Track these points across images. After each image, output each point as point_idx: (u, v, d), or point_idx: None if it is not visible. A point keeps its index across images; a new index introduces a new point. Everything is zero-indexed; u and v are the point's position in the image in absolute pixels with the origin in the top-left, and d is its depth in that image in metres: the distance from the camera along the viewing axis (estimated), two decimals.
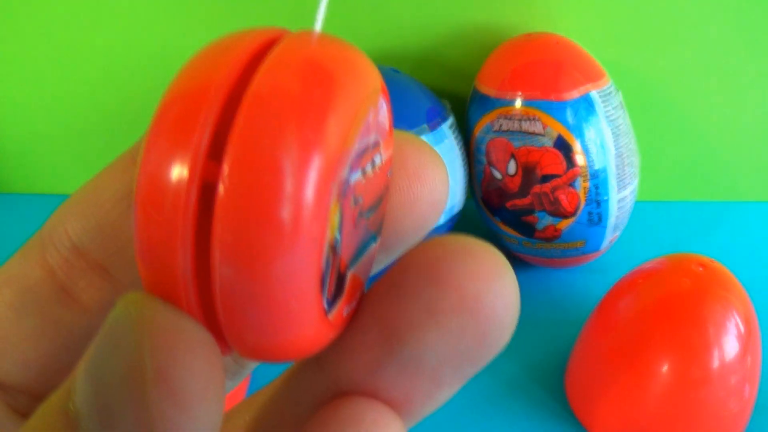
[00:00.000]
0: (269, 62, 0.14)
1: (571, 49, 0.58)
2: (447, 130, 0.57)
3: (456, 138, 0.58)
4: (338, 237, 0.14)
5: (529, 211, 0.57)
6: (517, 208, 0.58)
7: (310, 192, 0.13)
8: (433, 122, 0.56)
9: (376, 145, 0.15)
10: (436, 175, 0.17)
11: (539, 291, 0.62)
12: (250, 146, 0.13)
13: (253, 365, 0.19)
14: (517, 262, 0.65)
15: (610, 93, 0.56)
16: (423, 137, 0.55)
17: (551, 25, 0.63)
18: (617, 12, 0.63)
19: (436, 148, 0.56)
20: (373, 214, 0.16)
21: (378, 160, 0.16)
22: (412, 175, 0.17)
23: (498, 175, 0.58)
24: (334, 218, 0.14)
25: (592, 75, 0.56)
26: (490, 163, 0.58)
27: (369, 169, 0.15)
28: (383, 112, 0.16)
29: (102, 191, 0.17)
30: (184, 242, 0.13)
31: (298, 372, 0.18)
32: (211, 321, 0.14)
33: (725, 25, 0.63)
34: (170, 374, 0.12)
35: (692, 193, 0.72)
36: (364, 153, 0.15)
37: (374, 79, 0.15)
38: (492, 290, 0.15)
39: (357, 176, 0.14)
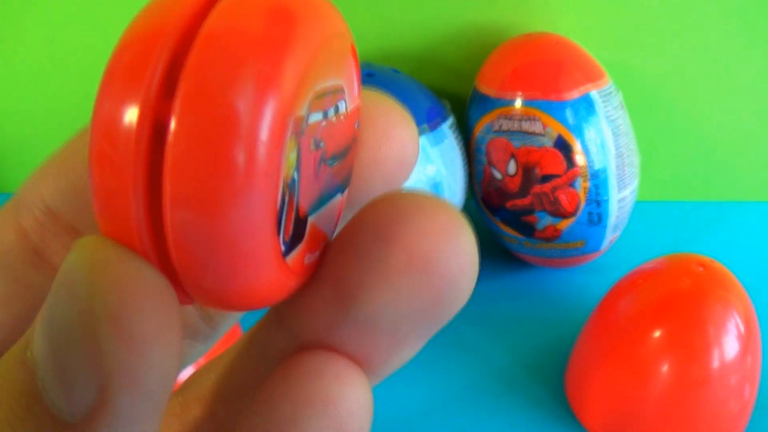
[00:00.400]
0: (224, 2, 0.13)
1: (571, 49, 0.58)
2: (447, 130, 0.57)
3: (456, 138, 0.58)
4: (295, 176, 0.14)
5: (529, 211, 0.57)
6: (517, 208, 0.58)
7: (264, 126, 0.12)
8: (433, 122, 0.56)
9: (340, 91, 0.15)
10: (406, 133, 0.17)
11: (539, 291, 0.62)
12: (201, 81, 0.12)
13: (224, 326, 0.19)
14: (517, 262, 0.65)
15: (610, 93, 0.56)
16: (423, 137, 0.55)
17: (551, 25, 0.63)
18: (617, 12, 0.63)
19: (436, 148, 0.56)
20: (338, 164, 0.16)
21: (342, 107, 0.15)
22: (381, 133, 0.16)
23: (498, 175, 0.58)
24: (291, 156, 0.13)
25: (592, 75, 0.56)
26: (490, 163, 0.58)
27: (332, 113, 0.15)
28: (349, 62, 0.15)
29: (76, 154, 0.17)
30: (136, 184, 0.13)
31: (260, 328, 0.18)
32: (167, 267, 0.13)
33: (725, 25, 0.63)
34: (122, 316, 0.12)
35: (692, 193, 0.72)
36: (326, 96, 0.14)
37: (338, 24, 0.15)
38: (445, 249, 0.15)
39: (317, 117, 0.14)
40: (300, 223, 0.14)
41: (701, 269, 0.47)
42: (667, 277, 0.47)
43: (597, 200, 0.56)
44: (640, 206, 0.69)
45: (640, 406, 0.47)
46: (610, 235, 0.59)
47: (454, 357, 0.56)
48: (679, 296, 0.46)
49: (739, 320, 0.45)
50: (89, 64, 0.68)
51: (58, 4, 0.64)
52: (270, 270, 0.13)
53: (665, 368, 0.46)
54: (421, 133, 0.55)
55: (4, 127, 0.72)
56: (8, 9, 0.65)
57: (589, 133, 0.55)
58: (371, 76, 0.57)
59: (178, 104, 0.12)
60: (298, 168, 0.14)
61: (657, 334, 0.46)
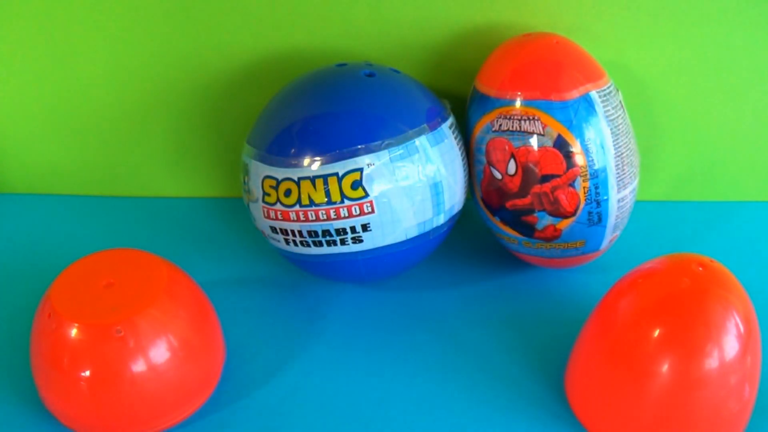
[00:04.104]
0: None
1: (571, 49, 0.58)
2: (447, 130, 0.57)
3: (456, 138, 0.58)
4: None
5: (529, 211, 0.57)
6: (517, 208, 0.58)
7: None
8: (433, 122, 0.56)
9: None
10: None
11: (539, 291, 0.62)
12: None
13: None
14: (517, 262, 0.65)
15: (610, 93, 0.56)
16: (423, 137, 0.55)
17: (551, 25, 0.63)
18: (617, 12, 0.63)
19: (436, 148, 0.56)
20: None
21: None
22: None
23: (498, 175, 0.58)
24: None
25: (592, 75, 0.56)
26: (490, 163, 0.58)
27: None
28: None
29: None
30: None
31: None
32: None
33: (725, 25, 0.63)
34: None
35: (692, 193, 0.72)
36: None
37: None
38: None
39: None
40: None
41: (701, 269, 0.47)
42: (667, 277, 0.47)
43: (597, 200, 0.56)
44: (640, 206, 0.69)
45: (639, 405, 0.47)
46: (610, 235, 0.59)
47: (454, 357, 0.56)
48: (679, 296, 0.46)
49: (738, 320, 0.45)
50: (89, 64, 0.68)
51: (58, 4, 0.64)
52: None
53: (665, 368, 0.46)
54: (421, 133, 0.55)
55: (4, 127, 0.72)
56: (8, 9, 0.65)
57: (589, 133, 0.55)
58: (371, 76, 0.57)
59: None
60: None
61: (657, 333, 0.46)
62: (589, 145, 0.55)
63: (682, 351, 0.45)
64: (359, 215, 0.54)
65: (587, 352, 0.51)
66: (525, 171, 0.56)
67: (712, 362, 0.45)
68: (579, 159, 0.55)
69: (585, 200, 0.56)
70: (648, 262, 0.50)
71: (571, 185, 0.56)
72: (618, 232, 0.60)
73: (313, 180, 0.54)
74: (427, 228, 0.57)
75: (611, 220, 0.58)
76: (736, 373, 0.46)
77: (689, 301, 0.46)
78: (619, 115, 0.57)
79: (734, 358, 0.45)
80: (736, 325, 0.45)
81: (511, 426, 0.51)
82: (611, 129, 0.56)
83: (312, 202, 0.54)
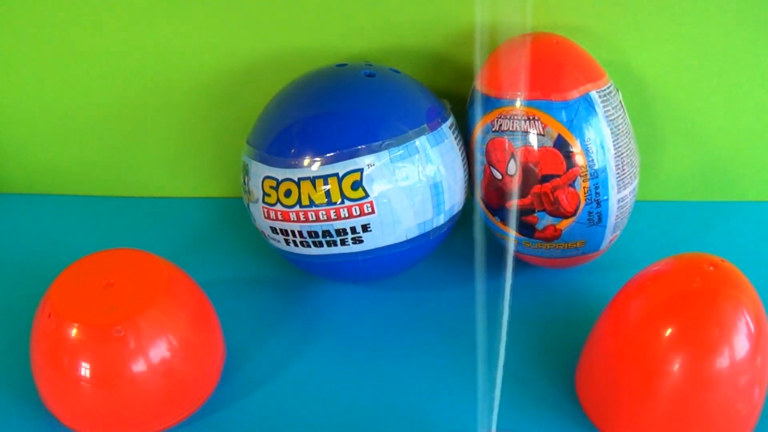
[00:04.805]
0: None
1: (571, 49, 0.58)
2: (447, 130, 0.57)
3: (456, 138, 0.58)
4: None
5: (529, 211, 0.57)
6: (517, 208, 0.58)
7: None
8: (433, 122, 0.56)
9: None
10: None
11: (540, 291, 0.62)
12: None
13: None
14: (517, 262, 0.64)
15: (610, 93, 0.56)
16: (423, 137, 0.55)
17: (551, 25, 0.63)
18: (617, 12, 0.63)
19: (436, 148, 0.56)
20: None
21: None
22: None
23: (498, 175, 0.58)
24: None
25: (592, 75, 0.56)
26: (490, 163, 0.58)
27: None
28: None
29: None
30: None
31: None
32: None
33: (725, 25, 0.63)
34: None
35: (692, 193, 0.72)
36: None
37: None
38: None
39: None
40: None
41: (712, 269, 0.47)
42: (678, 277, 0.48)
43: (597, 200, 0.56)
44: (640, 206, 0.69)
45: (650, 404, 0.47)
46: (610, 235, 0.59)
47: (455, 357, 0.56)
48: (690, 295, 0.46)
49: (749, 319, 0.45)
50: (89, 64, 0.68)
51: (59, 5, 0.64)
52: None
53: (676, 367, 0.46)
54: (421, 133, 0.55)
55: (3, 127, 0.72)
56: (9, 9, 0.65)
57: (589, 133, 0.55)
58: (371, 76, 0.57)
59: None
60: None
61: (668, 332, 0.46)
62: (589, 145, 0.55)
63: (693, 350, 0.45)
64: (359, 216, 0.54)
65: (599, 351, 0.51)
66: (525, 171, 0.56)
67: (723, 361, 0.45)
68: (579, 159, 0.55)
69: (585, 200, 0.56)
70: (658, 262, 0.50)
71: (571, 185, 0.56)
72: (618, 232, 0.60)
73: (313, 180, 0.54)
74: (428, 228, 0.57)
75: (611, 220, 0.58)
76: (746, 374, 0.46)
77: (701, 300, 0.46)
78: (619, 115, 0.57)
79: (745, 358, 0.45)
80: (747, 325, 0.45)
81: (521, 426, 0.51)
82: (611, 129, 0.56)
83: (312, 203, 0.54)
